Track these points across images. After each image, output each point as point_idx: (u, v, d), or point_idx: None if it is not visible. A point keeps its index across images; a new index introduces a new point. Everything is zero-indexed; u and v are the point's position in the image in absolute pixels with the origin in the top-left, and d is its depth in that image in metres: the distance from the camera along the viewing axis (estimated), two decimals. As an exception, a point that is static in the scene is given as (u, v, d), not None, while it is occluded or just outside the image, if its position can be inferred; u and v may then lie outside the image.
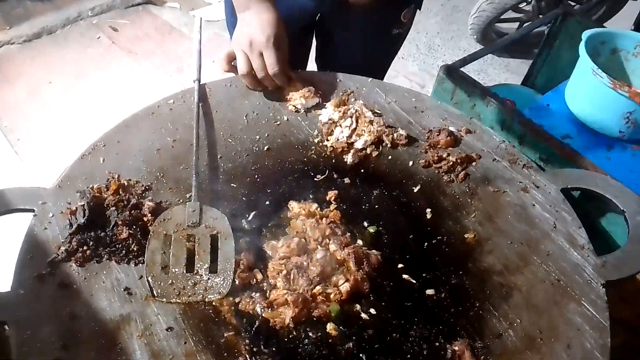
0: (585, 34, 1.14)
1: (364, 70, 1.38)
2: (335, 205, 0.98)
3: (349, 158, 1.07)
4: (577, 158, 1.05)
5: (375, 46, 1.54)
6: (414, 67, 3.15)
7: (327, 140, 1.09)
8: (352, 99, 1.17)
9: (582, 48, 1.08)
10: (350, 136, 1.09)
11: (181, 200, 0.95)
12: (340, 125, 1.10)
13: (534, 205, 0.98)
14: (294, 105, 1.14)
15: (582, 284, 0.87)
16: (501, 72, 3.20)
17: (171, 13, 3.33)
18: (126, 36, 3.08)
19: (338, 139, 1.09)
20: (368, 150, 1.07)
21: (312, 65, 1.70)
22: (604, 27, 1.33)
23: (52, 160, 2.25)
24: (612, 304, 1.09)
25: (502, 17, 2.97)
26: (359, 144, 1.08)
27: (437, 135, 1.09)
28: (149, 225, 0.89)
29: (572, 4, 2.76)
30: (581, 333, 0.81)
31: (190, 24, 3.23)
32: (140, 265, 0.85)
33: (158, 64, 2.86)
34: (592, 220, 1.09)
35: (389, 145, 1.09)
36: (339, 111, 1.12)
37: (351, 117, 1.11)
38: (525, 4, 2.99)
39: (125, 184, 0.95)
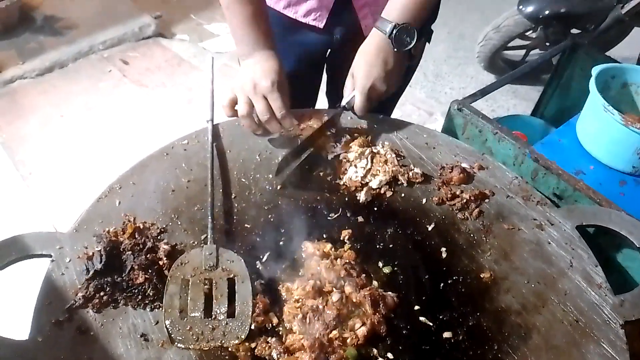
0: (596, 70, 1.14)
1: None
2: (349, 245, 0.98)
3: (361, 196, 1.07)
4: (591, 194, 1.04)
5: None
6: (421, 95, 3.18)
7: (341, 178, 1.10)
8: (379, 141, 1.18)
9: (592, 84, 1.09)
10: (365, 176, 1.10)
11: (196, 242, 0.95)
12: (355, 166, 1.11)
13: (549, 242, 0.98)
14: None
15: (601, 324, 0.86)
16: (509, 98, 3.21)
17: (180, 45, 3.39)
18: (137, 69, 3.13)
19: (352, 178, 1.09)
20: (382, 190, 1.08)
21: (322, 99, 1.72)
22: (615, 60, 1.34)
23: (64, 195, 2.28)
24: (631, 340, 1.08)
25: (508, 44, 3.00)
26: (373, 184, 1.08)
27: (450, 172, 1.09)
28: (164, 269, 0.89)
29: (577, 31, 2.79)
30: (603, 376, 0.80)
31: (199, 55, 3.28)
32: (156, 310, 0.85)
33: (168, 96, 2.90)
34: (608, 257, 1.08)
35: (405, 184, 1.09)
36: (355, 151, 1.13)
37: (367, 157, 1.12)
38: (531, 31, 3.02)
39: (141, 226, 0.96)
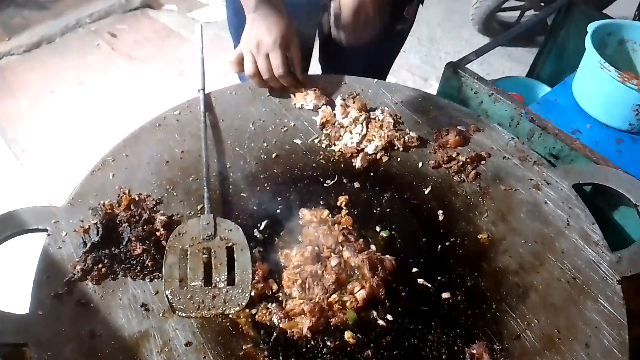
0: (591, 26, 1.12)
1: (368, 68, 1.37)
2: (347, 211, 0.98)
3: (357, 162, 1.06)
4: (587, 152, 1.04)
5: (378, 43, 1.53)
6: (416, 60, 3.14)
7: (335, 145, 1.09)
8: (374, 106, 1.16)
9: (588, 41, 1.07)
10: (360, 142, 1.09)
11: (192, 213, 0.95)
12: (350, 132, 1.10)
13: (546, 202, 0.98)
14: (300, 105, 1.14)
15: (598, 280, 0.87)
16: (504, 61, 3.18)
17: (169, 16, 3.33)
18: (125, 42, 3.07)
19: (347, 145, 1.08)
20: (378, 155, 1.07)
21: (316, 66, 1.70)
22: (610, 17, 1.31)
23: (59, 171, 2.26)
24: (628, 297, 1.09)
25: (503, 5, 2.95)
26: (369, 150, 1.08)
27: (446, 135, 1.09)
28: (162, 239, 0.89)
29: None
30: (599, 331, 0.81)
31: (188, 26, 3.22)
32: (156, 280, 0.85)
33: (159, 68, 2.86)
34: (605, 215, 1.09)
35: (401, 148, 1.08)
36: (350, 117, 1.11)
37: (362, 123, 1.10)
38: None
39: (137, 198, 0.95)
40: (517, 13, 3.10)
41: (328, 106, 1.14)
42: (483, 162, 1.05)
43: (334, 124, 1.12)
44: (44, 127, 2.54)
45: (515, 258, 0.91)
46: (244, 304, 0.83)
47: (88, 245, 0.86)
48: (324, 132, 1.11)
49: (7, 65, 2.89)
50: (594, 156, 1.04)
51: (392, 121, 1.12)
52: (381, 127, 1.10)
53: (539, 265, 0.90)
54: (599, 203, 1.09)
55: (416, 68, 3.05)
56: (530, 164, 1.04)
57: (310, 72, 1.60)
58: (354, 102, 1.15)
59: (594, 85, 1.08)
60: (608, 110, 1.08)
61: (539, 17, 1.58)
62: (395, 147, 1.09)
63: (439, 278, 0.88)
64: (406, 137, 1.09)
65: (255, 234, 0.93)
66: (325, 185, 1.03)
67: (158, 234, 0.90)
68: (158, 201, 0.96)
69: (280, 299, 0.85)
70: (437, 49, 3.22)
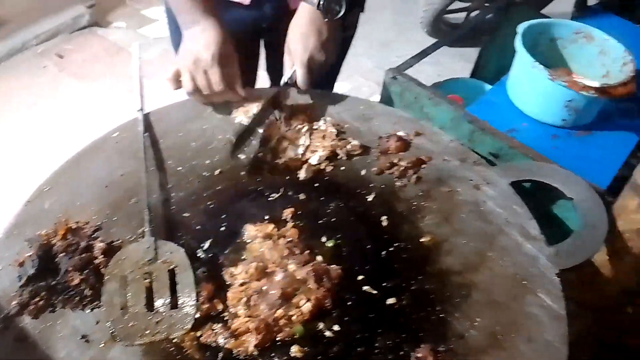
0: (521, 27, 1.16)
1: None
2: (293, 223, 0.98)
3: (302, 173, 1.06)
4: (524, 150, 1.07)
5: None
6: (369, 65, 3.17)
7: (281, 157, 1.09)
8: (318, 116, 1.17)
9: (518, 41, 1.10)
10: (304, 153, 1.09)
11: (134, 237, 0.93)
12: (294, 144, 1.10)
13: (485, 201, 1.00)
14: (241, 120, 1.13)
15: (537, 275, 0.89)
16: (456, 61, 3.23)
17: (118, 33, 3.27)
18: (74, 62, 3.01)
19: (292, 157, 1.08)
20: (322, 166, 1.07)
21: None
22: (546, 16, 1.36)
23: (5, 198, 2.19)
24: (574, 288, 1.12)
25: (450, 8, 3.01)
26: (313, 160, 1.08)
27: (387, 141, 1.10)
28: (101, 267, 0.87)
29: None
30: (540, 324, 0.83)
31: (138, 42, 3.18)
32: (97, 309, 0.83)
33: (109, 86, 2.81)
34: (547, 209, 1.12)
35: (344, 157, 1.09)
36: (293, 129, 1.11)
37: (305, 134, 1.11)
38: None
39: (74, 226, 0.93)
40: (464, 14, 3.17)
41: (271, 120, 1.14)
42: (424, 165, 1.07)
43: (277, 138, 1.12)
44: (-8, 153, 2.46)
45: (458, 258, 0.92)
46: (188, 326, 0.82)
47: (24, 279, 0.84)
48: (268, 146, 1.11)
49: (-49, 91, 2.79)
50: (531, 153, 1.07)
51: (335, 131, 1.13)
52: (324, 137, 1.11)
53: (481, 264, 0.91)
54: (540, 198, 1.12)
55: (370, 73, 3.08)
56: (470, 164, 1.06)
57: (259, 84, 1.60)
58: (296, 115, 1.15)
59: (527, 85, 1.11)
60: (542, 107, 1.11)
61: (478, 18, 1.62)
62: (339, 157, 1.10)
63: (384, 284, 0.89)
64: (349, 146, 1.10)
65: (198, 254, 0.92)
66: (270, 199, 1.03)
67: (97, 261, 0.88)
68: (97, 227, 0.94)
69: (226, 318, 0.84)
70: (390, 53, 3.26)
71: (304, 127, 1.12)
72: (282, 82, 1.16)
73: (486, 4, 2.88)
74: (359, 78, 3.01)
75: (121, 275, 0.86)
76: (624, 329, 1.89)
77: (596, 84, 1.02)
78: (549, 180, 1.01)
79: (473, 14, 3.12)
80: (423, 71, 3.14)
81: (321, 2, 1.09)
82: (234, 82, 1.11)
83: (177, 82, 1.11)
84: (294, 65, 1.14)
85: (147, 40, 3.23)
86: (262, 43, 1.60)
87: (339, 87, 2.88)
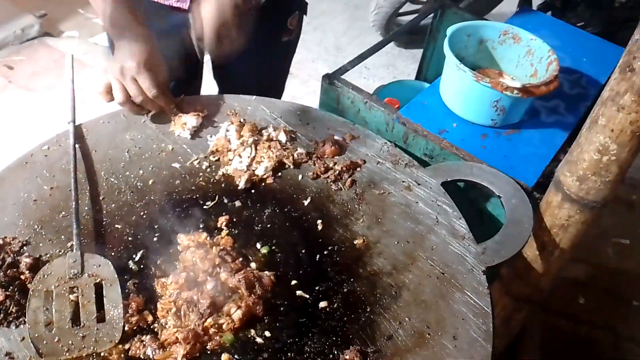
0: (450, 30, 1.19)
1: (262, 81, 1.37)
2: (227, 231, 0.98)
3: (242, 182, 1.06)
4: (455, 150, 1.09)
5: (266, 55, 1.55)
6: (324, 69, 3.18)
7: (226, 169, 1.08)
8: (270, 126, 1.16)
9: (445, 43, 1.13)
10: (250, 164, 1.09)
11: (62, 251, 0.92)
12: (240, 155, 1.09)
13: (417, 202, 1.02)
14: (181, 127, 1.13)
15: (464, 273, 0.91)
16: (409, 63, 3.29)
17: (69, 43, 3.20)
18: (23, 73, 2.93)
19: (237, 168, 1.07)
20: (266, 176, 1.07)
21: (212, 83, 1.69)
22: (476, 18, 1.39)
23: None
24: (510, 282, 1.15)
25: (402, 10, 3.06)
26: (260, 171, 1.07)
27: (322, 145, 1.11)
28: (27, 283, 0.86)
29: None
30: (466, 322, 0.85)
31: (90, 52, 3.12)
32: (22, 326, 0.81)
33: (58, 98, 2.74)
34: (480, 208, 1.15)
35: (291, 166, 1.09)
36: (238, 140, 1.11)
37: (250, 146, 1.10)
38: (421, -5, 3.09)
39: (1, 242, 0.91)
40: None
41: (221, 134, 1.13)
42: (359, 169, 1.08)
43: (223, 149, 1.11)
44: None
45: (389, 259, 0.94)
46: (116, 340, 0.81)
47: (-56, 298, 0.82)
48: (212, 158, 1.10)
49: None
50: (461, 153, 1.09)
51: (285, 138, 1.13)
52: (269, 147, 1.10)
53: (411, 264, 0.93)
54: (473, 197, 1.15)
55: (325, 76, 3.10)
56: (402, 166, 1.08)
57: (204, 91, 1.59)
58: (243, 125, 1.14)
59: (455, 86, 1.14)
60: (470, 108, 1.14)
61: (415, 21, 1.65)
62: (287, 166, 1.10)
63: (317, 288, 0.90)
64: (295, 155, 1.10)
65: (130, 266, 0.91)
66: (205, 207, 1.02)
67: (23, 277, 0.86)
68: (25, 243, 0.92)
69: (155, 330, 0.84)
70: (345, 57, 3.28)
71: (249, 137, 1.11)
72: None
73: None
74: (314, 82, 3.03)
75: (46, 290, 0.84)
76: (578, 319, 1.95)
77: (518, 84, 1.06)
78: (477, 179, 1.03)
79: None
80: (377, 74, 3.21)
81: None
82: (163, 89, 1.11)
83: (109, 95, 1.10)
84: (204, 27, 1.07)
85: (98, 49, 3.18)
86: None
87: (294, 91, 2.91)
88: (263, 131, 1.15)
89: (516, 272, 1.15)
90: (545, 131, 1.17)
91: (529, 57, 1.20)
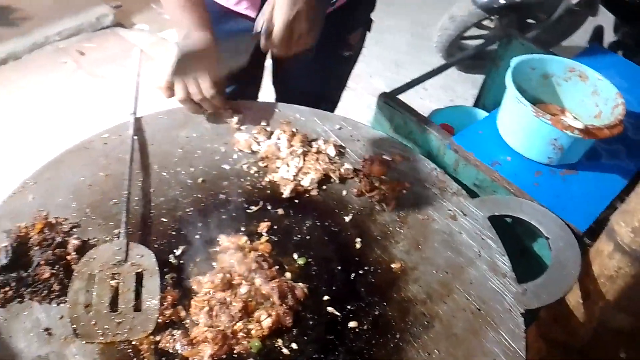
0: (514, 61, 1.16)
1: (318, 91, 1.39)
2: (267, 238, 0.99)
3: (286, 191, 1.07)
4: (505, 184, 1.07)
5: (325, 69, 1.57)
6: (381, 85, 3.18)
7: (273, 176, 1.10)
8: (320, 139, 1.17)
9: (508, 75, 1.11)
10: (296, 174, 1.10)
11: (109, 237, 0.95)
12: (287, 164, 1.10)
13: (460, 232, 1.00)
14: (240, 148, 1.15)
15: (502, 312, 0.88)
16: (468, 88, 3.24)
17: (139, 35, 3.34)
18: (93, 60, 3.07)
19: (283, 177, 1.09)
20: (310, 188, 1.08)
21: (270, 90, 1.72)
22: (544, 51, 1.36)
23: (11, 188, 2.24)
24: (545, 325, 1.11)
25: (467, 34, 3.02)
26: (305, 182, 1.08)
27: (370, 164, 1.11)
28: (72, 264, 0.89)
29: (531, 22, 2.82)
30: (497, 362, 0.82)
31: (157, 45, 3.24)
32: (62, 305, 0.85)
33: (123, 87, 2.86)
34: (524, 245, 1.11)
35: (337, 181, 1.10)
36: (288, 149, 1.12)
37: (299, 156, 1.11)
38: (488, 21, 3.04)
39: (53, 222, 0.95)
40: (481, 41, 3.17)
41: (272, 141, 1.15)
42: (404, 191, 1.07)
43: (272, 157, 1.13)
44: (2, 142, 2.51)
45: (424, 287, 0.92)
46: (149, 330, 0.83)
47: (-4, 268, 0.86)
48: (261, 164, 1.12)
49: (-28, 81, 2.87)
50: (512, 188, 1.06)
51: (334, 152, 1.13)
52: (317, 160, 1.11)
53: (446, 295, 0.91)
54: (520, 234, 1.12)
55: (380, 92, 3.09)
56: (449, 194, 1.06)
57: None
58: (294, 135, 1.16)
59: (513, 119, 1.12)
60: (527, 143, 1.11)
61: (479, 48, 1.63)
62: (332, 180, 1.10)
63: (348, 307, 0.89)
64: (342, 169, 1.11)
65: (170, 260, 0.94)
66: (248, 211, 1.04)
67: (69, 258, 0.90)
68: (75, 225, 0.96)
69: (187, 326, 0.85)
70: (403, 74, 3.27)
71: (299, 148, 1.12)
72: (256, 29, 1.08)
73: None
74: (369, 97, 3.03)
75: (90, 273, 0.88)
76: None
77: (580, 125, 1.02)
78: (526, 217, 1.00)
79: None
80: (434, 96, 3.18)
81: None
82: (220, 91, 1.13)
83: (169, 91, 1.13)
84: (274, 19, 1.05)
85: (165, 44, 3.30)
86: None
87: (348, 104, 2.92)
88: (313, 143, 1.16)
89: (555, 317, 1.10)
90: (603, 175, 1.12)
91: (594, 98, 1.16)
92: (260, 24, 1.07)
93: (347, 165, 1.11)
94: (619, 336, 2.09)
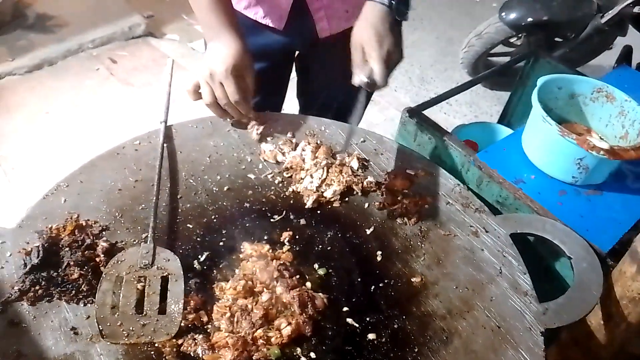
0: (541, 80, 1.16)
1: (342, 107, 1.41)
2: (289, 247, 1.01)
3: (309, 202, 1.08)
4: (529, 202, 1.06)
5: (350, 83, 1.58)
6: (406, 99, 3.20)
7: (296, 187, 1.12)
8: (328, 146, 1.19)
9: (534, 94, 1.11)
10: (320, 185, 1.12)
11: (137, 241, 0.98)
12: (311, 175, 1.12)
13: (482, 249, 1.00)
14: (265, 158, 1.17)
15: (522, 330, 0.88)
16: (492, 104, 3.23)
17: (170, 45, 3.42)
18: (124, 68, 3.16)
19: (307, 187, 1.11)
20: (333, 200, 1.09)
21: (294, 102, 1.75)
22: (570, 71, 1.36)
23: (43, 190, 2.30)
24: (566, 347, 1.10)
25: (494, 50, 3.02)
26: (328, 194, 1.10)
27: (394, 178, 1.12)
28: (101, 265, 0.92)
29: (559, 40, 2.80)
30: (516, 381, 0.82)
31: (187, 56, 3.31)
32: (89, 305, 0.88)
33: (153, 95, 2.93)
34: (547, 265, 1.11)
35: (359, 193, 1.11)
36: (312, 160, 1.14)
37: (322, 168, 1.13)
38: (515, 38, 3.03)
39: (84, 224, 0.98)
40: (507, 58, 3.17)
41: (297, 152, 1.17)
42: (427, 206, 1.08)
43: (297, 167, 1.15)
44: (36, 146, 2.60)
45: (444, 303, 0.93)
46: (172, 333, 0.85)
47: (28, 266, 0.89)
48: (286, 174, 1.14)
49: (7, 85, 2.97)
50: (535, 206, 1.06)
51: (357, 165, 1.15)
52: (341, 172, 1.13)
53: (466, 312, 0.91)
54: (542, 253, 1.12)
55: (405, 107, 3.10)
56: (472, 210, 1.07)
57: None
58: (319, 147, 1.18)
59: (539, 137, 1.12)
60: (551, 162, 1.11)
61: (507, 64, 1.63)
62: (355, 192, 1.11)
63: (367, 319, 0.90)
64: (365, 182, 1.12)
65: (194, 265, 0.96)
66: (271, 220, 1.06)
67: (98, 259, 0.93)
68: (104, 228, 0.99)
69: (208, 330, 0.87)
70: (428, 90, 3.28)
71: (324, 160, 1.14)
72: (359, 82, 1.11)
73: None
74: (394, 110, 3.04)
75: (117, 275, 0.90)
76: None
77: (605, 145, 1.02)
78: (549, 236, 1.00)
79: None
80: (460, 111, 3.18)
81: (393, 2, 1.09)
82: (246, 95, 1.15)
83: (196, 94, 1.16)
84: (370, 62, 1.09)
85: (195, 54, 3.37)
86: (294, 69, 1.66)
87: (373, 117, 2.94)
88: (337, 155, 1.17)
89: (576, 338, 1.09)
90: (628, 197, 1.11)
91: (621, 118, 1.16)
92: (359, 80, 1.10)
93: (370, 178, 1.13)
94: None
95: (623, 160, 1.04)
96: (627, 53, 2.24)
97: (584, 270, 0.96)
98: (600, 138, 1.20)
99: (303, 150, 1.16)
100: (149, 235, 0.96)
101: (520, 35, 2.97)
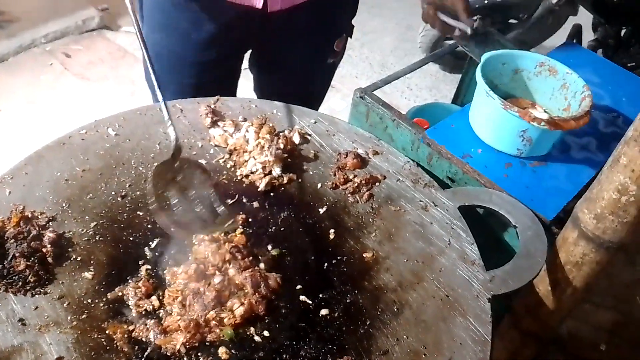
0: (484, 56, 1.19)
1: (300, 99, 1.41)
2: (242, 230, 1.01)
3: (262, 185, 1.08)
4: (476, 176, 1.09)
5: (309, 76, 1.58)
6: (366, 85, 3.21)
7: (241, 170, 1.11)
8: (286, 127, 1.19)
9: (478, 70, 1.13)
10: (264, 167, 1.11)
11: (85, 230, 0.96)
12: (254, 157, 1.12)
13: (431, 223, 1.02)
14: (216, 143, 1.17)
15: (470, 298, 0.91)
16: (452, 88, 3.24)
17: (126, 37, 3.35)
18: (79, 62, 3.08)
19: (252, 171, 1.11)
20: (285, 179, 1.10)
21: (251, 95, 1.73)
22: (515, 47, 1.39)
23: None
24: (519, 316, 1.14)
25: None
26: (276, 172, 1.10)
27: (345, 157, 1.13)
28: (48, 256, 0.91)
29: (514, 22, 2.86)
30: (464, 347, 0.84)
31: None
32: (37, 295, 0.86)
33: (110, 89, 2.88)
34: (496, 235, 1.14)
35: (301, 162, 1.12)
36: (255, 141, 1.14)
37: (268, 150, 1.12)
38: (471, 21, 3.08)
39: (29, 215, 0.96)
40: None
41: (240, 134, 1.17)
42: (378, 183, 1.10)
43: (240, 150, 1.14)
44: (-13, 144, 2.52)
45: (395, 276, 0.94)
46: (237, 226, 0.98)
47: (-29, 261, 0.87)
48: (233, 157, 1.14)
49: (-43, 83, 2.87)
50: (482, 179, 1.09)
51: (299, 139, 1.15)
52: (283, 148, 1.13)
53: (416, 284, 0.93)
54: (492, 225, 1.14)
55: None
56: (421, 185, 1.09)
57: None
58: (261, 127, 1.17)
59: (484, 112, 1.14)
60: (496, 136, 1.13)
61: (451, 47, 1.65)
62: (303, 166, 1.12)
63: (320, 295, 0.91)
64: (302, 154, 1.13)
65: (146, 252, 0.95)
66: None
67: (45, 250, 0.91)
68: (51, 218, 0.97)
69: (160, 315, 0.87)
70: (388, 75, 3.30)
71: (266, 143, 1.14)
72: (461, 34, 1.34)
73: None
74: (355, 98, 3.05)
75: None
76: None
77: (546, 116, 1.05)
78: (495, 207, 1.03)
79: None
80: (420, 96, 3.21)
81: None
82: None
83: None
84: (461, 16, 1.31)
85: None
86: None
87: (334, 104, 2.95)
88: (281, 134, 1.17)
89: (527, 307, 1.13)
90: (572, 167, 1.15)
91: (563, 91, 1.19)
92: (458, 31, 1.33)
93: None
94: (600, 332, 2.12)
95: (564, 130, 1.07)
96: (576, 31, 2.30)
97: (529, 238, 0.99)
98: (545, 111, 1.23)
99: (247, 131, 1.16)
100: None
101: (475, 17, 3.01)
